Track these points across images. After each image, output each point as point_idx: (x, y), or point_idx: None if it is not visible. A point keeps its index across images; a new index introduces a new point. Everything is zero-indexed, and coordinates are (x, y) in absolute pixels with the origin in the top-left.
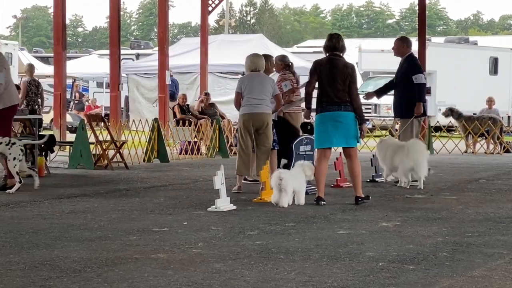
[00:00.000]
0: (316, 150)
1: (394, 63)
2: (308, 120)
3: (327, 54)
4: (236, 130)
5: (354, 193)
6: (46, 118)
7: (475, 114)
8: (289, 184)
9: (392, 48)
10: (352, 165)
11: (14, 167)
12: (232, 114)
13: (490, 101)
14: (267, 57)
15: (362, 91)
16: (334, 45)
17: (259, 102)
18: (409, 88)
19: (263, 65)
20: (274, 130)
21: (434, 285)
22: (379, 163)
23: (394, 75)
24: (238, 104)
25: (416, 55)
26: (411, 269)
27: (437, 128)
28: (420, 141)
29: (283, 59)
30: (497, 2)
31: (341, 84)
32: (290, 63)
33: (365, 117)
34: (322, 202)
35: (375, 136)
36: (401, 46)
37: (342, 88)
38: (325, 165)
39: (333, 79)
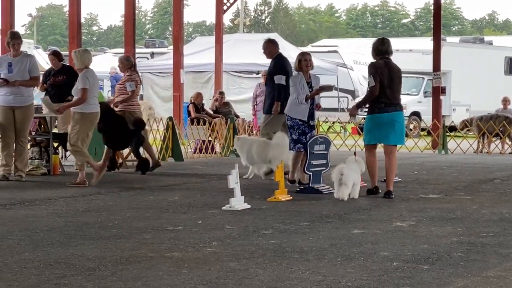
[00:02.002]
0: (365, 145)
1: (409, 62)
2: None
3: (379, 57)
4: (251, 130)
5: (386, 187)
6: None
7: (489, 113)
8: (350, 178)
9: (264, 52)
10: (393, 161)
11: None
12: (246, 113)
13: (505, 101)
14: (299, 54)
15: None
16: (387, 49)
17: None
18: (274, 87)
19: None
20: (290, 131)
21: (449, 285)
22: (242, 161)
23: (407, 75)
24: None
25: (431, 55)
26: (425, 269)
27: (452, 128)
28: (285, 135)
29: (128, 59)
30: None
31: (397, 86)
32: (134, 63)
33: None
34: (379, 191)
35: None
36: (270, 47)
37: (397, 90)
38: (375, 158)
39: (392, 81)
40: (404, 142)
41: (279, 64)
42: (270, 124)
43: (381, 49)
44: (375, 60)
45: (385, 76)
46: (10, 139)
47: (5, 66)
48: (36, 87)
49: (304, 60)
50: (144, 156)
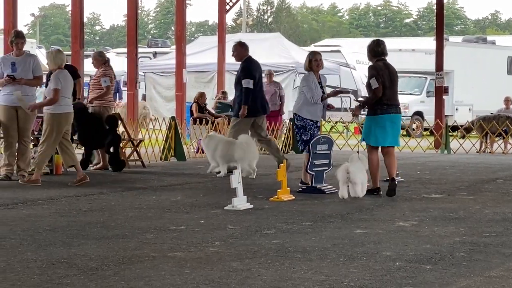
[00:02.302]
0: (369, 146)
1: (411, 62)
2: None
3: (375, 59)
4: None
5: (389, 177)
6: None
7: (492, 113)
8: (357, 176)
9: (232, 54)
10: (394, 160)
11: None
12: None
13: (507, 101)
14: (309, 54)
15: None
16: (383, 50)
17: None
18: (242, 90)
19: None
20: (297, 131)
21: (451, 285)
22: (209, 158)
23: (410, 74)
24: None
25: (433, 54)
26: (428, 269)
27: (454, 128)
28: (251, 137)
29: (101, 55)
30: None
31: (396, 88)
32: (107, 58)
33: None
34: (380, 192)
35: None
36: (240, 50)
37: (397, 91)
38: (378, 159)
39: (392, 83)
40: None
41: (247, 67)
42: (238, 126)
43: (377, 51)
44: (372, 62)
45: (386, 77)
46: (13, 139)
47: (9, 65)
48: (39, 86)
49: (314, 60)
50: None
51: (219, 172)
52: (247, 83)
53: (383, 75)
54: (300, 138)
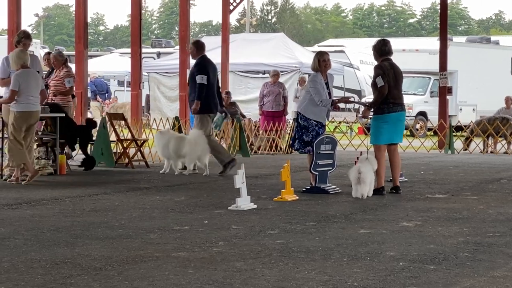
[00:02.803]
0: (376, 145)
1: (415, 62)
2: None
3: (381, 58)
4: (258, 129)
5: (394, 184)
6: None
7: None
8: (368, 176)
9: (189, 53)
10: (398, 158)
11: None
12: (253, 113)
13: (507, 101)
14: (318, 54)
15: None
16: (389, 49)
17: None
18: (195, 87)
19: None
20: (297, 129)
21: (455, 285)
22: (162, 154)
23: (414, 75)
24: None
25: (437, 55)
26: (432, 269)
27: (458, 128)
28: (201, 133)
29: (61, 55)
30: None
31: (401, 87)
32: (66, 58)
33: None
34: (384, 192)
35: None
36: (195, 49)
37: (401, 90)
38: (384, 159)
39: (397, 82)
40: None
41: (201, 64)
42: (201, 123)
43: (385, 50)
44: (378, 62)
45: (391, 77)
46: (20, 142)
47: None
48: None
49: (323, 60)
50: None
51: (184, 169)
52: (201, 79)
53: (388, 75)
54: (300, 137)
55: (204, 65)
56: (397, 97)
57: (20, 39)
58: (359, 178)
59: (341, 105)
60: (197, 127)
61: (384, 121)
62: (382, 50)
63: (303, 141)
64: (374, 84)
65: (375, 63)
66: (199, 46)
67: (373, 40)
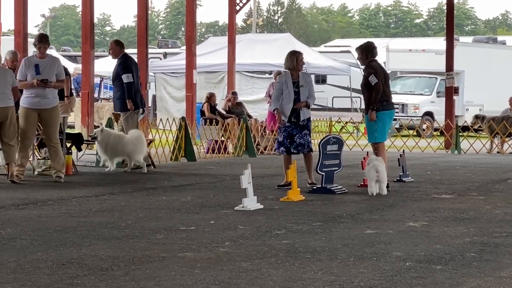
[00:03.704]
0: (375, 144)
1: (422, 62)
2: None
3: (369, 59)
4: (264, 130)
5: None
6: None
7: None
8: (385, 175)
9: (109, 53)
10: (385, 155)
11: None
12: (259, 113)
13: (511, 101)
14: (294, 53)
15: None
16: (377, 51)
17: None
18: (121, 86)
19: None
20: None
21: (462, 285)
22: (100, 154)
23: (420, 75)
24: None
25: (444, 55)
26: (438, 269)
27: (465, 128)
28: (140, 131)
29: (16, 53)
30: None
31: (389, 86)
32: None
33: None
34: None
35: (403, 136)
36: (115, 48)
37: (390, 90)
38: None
39: (387, 81)
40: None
41: (125, 63)
42: (128, 120)
43: (373, 51)
44: (364, 63)
45: (382, 76)
46: (29, 141)
47: (32, 67)
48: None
49: (300, 60)
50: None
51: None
52: (127, 78)
53: (379, 74)
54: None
55: (128, 64)
56: (389, 95)
57: (34, 43)
58: (377, 176)
59: (347, 105)
60: (124, 124)
61: (378, 119)
62: (371, 52)
63: (277, 141)
64: (365, 84)
65: (382, 63)
66: (120, 45)
67: (379, 41)
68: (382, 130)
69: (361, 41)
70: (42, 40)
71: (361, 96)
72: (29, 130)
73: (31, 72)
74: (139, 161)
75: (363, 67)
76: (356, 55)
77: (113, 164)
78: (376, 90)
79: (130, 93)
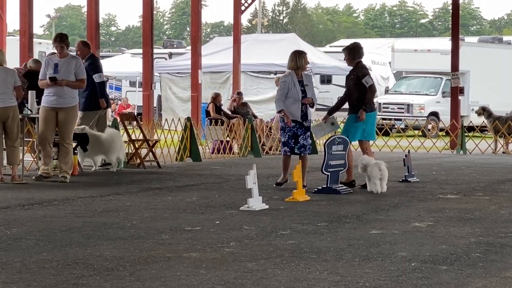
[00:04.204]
0: (366, 142)
1: (427, 63)
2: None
3: (357, 60)
4: (270, 130)
5: (349, 178)
6: None
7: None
8: (387, 173)
9: (77, 54)
10: (370, 154)
11: None
12: (264, 113)
13: None
14: (300, 53)
15: (395, 91)
16: (363, 52)
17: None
18: (89, 85)
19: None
20: (281, 132)
21: (467, 285)
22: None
23: (426, 75)
24: None
25: (449, 55)
26: (444, 269)
27: (470, 128)
28: (116, 130)
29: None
30: None
31: None
32: None
33: (398, 117)
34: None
35: (408, 136)
36: (82, 49)
37: None
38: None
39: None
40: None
41: (94, 63)
42: (86, 119)
43: (361, 52)
44: (352, 64)
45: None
46: (48, 140)
47: (52, 66)
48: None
49: (306, 59)
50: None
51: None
52: (100, 77)
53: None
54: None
55: (97, 64)
56: (373, 97)
57: (53, 42)
58: (381, 174)
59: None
60: (82, 122)
61: (368, 119)
62: (358, 53)
63: (282, 142)
64: (357, 85)
65: (387, 63)
66: (87, 46)
67: (385, 41)
68: (371, 130)
69: (367, 41)
70: (57, 39)
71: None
72: (47, 129)
73: (50, 71)
74: (112, 159)
75: (369, 66)
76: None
77: (96, 164)
78: (372, 91)
79: (104, 92)
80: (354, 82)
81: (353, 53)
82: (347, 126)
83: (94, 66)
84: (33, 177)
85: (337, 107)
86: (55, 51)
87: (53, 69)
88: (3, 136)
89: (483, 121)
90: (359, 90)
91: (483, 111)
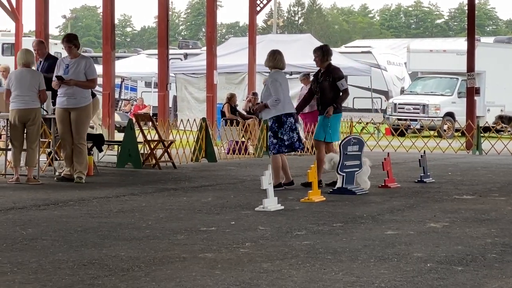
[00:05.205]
0: (334, 143)
1: (443, 63)
2: None
3: (329, 61)
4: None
5: (319, 177)
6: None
7: None
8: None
9: (35, 53)
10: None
11: None
12: None
13: None
14: (278, 52)
15: (411, 91)
16: (332, 54)
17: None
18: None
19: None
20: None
21: (483, 286)
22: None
23: (441, 75)
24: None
25: (465, 55)
26: (459, 270)
27: (486, 129)
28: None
29: None
30: None
31: None
32: None
33: (413, 118)
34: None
35: (424, 137)
36: (40, 47)
37: None
38: None
39: None
40: None
41: (54, 64)
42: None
43: (330, 55)
44: (323, 65)
45: None
46: (66, 141)
47: (63, 67)
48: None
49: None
50: None
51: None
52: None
53: None
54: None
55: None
56: None
57: (61, 43)
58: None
59: (368, 106)
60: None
61: (338, 119)
62: (330, 55)
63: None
64: (332, 86)
65: (402, 63)
66: (45, 46)
67: (400, 41)
68: (336, 130)
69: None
70: (65, 39)
71: (382, 96)
72: (64, 130)
73: (61, 72)
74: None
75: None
76: (377, 56)
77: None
78: (347, 94)
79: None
80: (329, 83)
81: (327, 54)
82: (324, 127)
83: (51, 66)
84: (55, 178)
85: (301, 107)
86: None
87: (64, 69)
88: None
89: (501, 126)
90: (333, 91)
91: (501, 119)
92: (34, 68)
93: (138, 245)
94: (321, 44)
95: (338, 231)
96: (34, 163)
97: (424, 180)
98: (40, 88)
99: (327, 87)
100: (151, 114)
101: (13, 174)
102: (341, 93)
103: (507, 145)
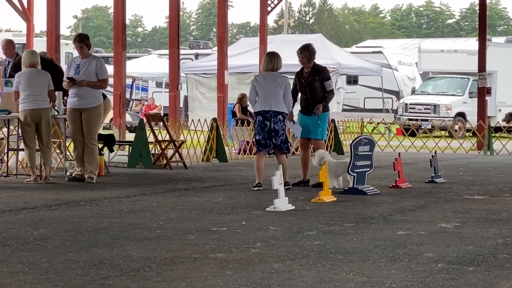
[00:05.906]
0: (322, 141)
1: (454, 63)
2: None
3: (314, 62)
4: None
5: (305, 178)
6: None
7: None
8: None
9: (4, 53)
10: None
11: None
12: None
13: None
14: (277, 54)
15: (422, 91)
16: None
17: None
18: None
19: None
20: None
21: (494, 287)
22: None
23: (452, 75)
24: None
25: (476, 55)
26: (470, 270)
27: (497, 129)
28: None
29: None
30: None
31: None
32: None
33: (424, 118)
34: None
35: (435, 137)
36: (10, 47)
37: None
38: None
39: None
40: None
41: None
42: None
43: (314, 54)
44: (309, 65)
45: None
46: (77, 142)
47: (74, 68)
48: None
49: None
50: None
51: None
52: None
53: None
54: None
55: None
56: None
57: (73, 43)
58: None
59: (379, 106)
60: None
61: (323, 119)
62: (313, 54)
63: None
64: (322, 85)
65: (414, 63)
66: (13, 45)
67: (411, 41)
68: (324, 128)
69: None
70: (76, 39)
71: (393, 96)
72: (76, 131)
73: (72, 72)
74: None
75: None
76: (388, 56)
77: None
78: (333, 95)
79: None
80: (320, 83)
81: (313, 54)
82: (314, 125)
83: (17, 67)
84: (66, 178)
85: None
86: None
87: (74, 70)
88: (36, 137)
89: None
90: (323, 91)
91: (511, 117)
92: (39, 67)
93: (149, 245)
94: (306, 43)
95: (349, 231)
96: (49, 162)
97: (435, 180)
98: (49, 88)
99: (317, 87)
100: (162, 114)
101: (24, 174)
102: (326, 94)
103: None
